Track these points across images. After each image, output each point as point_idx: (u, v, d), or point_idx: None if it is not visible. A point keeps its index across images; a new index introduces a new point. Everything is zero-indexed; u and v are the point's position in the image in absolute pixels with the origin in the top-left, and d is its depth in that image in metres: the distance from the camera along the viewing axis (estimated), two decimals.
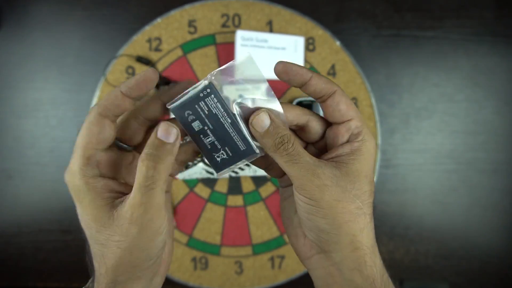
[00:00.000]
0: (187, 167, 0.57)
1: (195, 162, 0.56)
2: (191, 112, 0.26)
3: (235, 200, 0.63)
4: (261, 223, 0.63)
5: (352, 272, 0.26)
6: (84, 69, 0.63)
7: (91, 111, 0.25)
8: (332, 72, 0.64)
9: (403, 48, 0.65)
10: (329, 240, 0.26)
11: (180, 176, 0.59)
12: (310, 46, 0.64)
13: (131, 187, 0.26)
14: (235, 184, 0.63)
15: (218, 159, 0.27)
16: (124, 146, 0.29)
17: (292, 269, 0.63)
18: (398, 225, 0.65)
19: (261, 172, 0.61)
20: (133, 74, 0.63)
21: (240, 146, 0.27)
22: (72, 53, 0.63)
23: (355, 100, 0.65)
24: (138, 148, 0.29)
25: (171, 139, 0.25)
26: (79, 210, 0.26)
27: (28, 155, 0.62)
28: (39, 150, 0.62)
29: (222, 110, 0.26)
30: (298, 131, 0.29)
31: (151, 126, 0.29)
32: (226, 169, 0.28)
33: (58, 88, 0.63)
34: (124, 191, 0.26)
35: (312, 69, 0.64)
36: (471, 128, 0.66)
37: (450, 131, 0.66)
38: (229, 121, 0.26)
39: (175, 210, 0.63)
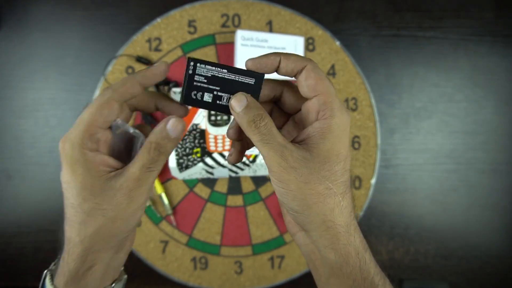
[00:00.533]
0: (187, 167, 0.57)
1: (195, 162, 0.56)
2: (195, 91, 0.28)
3: (235, 200, 0.63)
4: (261, 223, 0.63)
5: (326, 249, 0.27)
6: (84, 69, 0.63)
7: (105, 92, 0.27)
8: (332, 72, 0.65)
9: (403, 48, 0.65)
10: (303, 220, 0.27)
11: (180, 176, 0.59)
12: (310, 46, 0.64)
13: (121, 164, 0.28)
14: (235, 184, 0.63)
15: None
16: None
17: (292, 269, 0.63)
18: (398, 225, 0.65)
19: (261, 172, 0.61)
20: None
21: (249, 82, 0.28)
22: (72, 53, 0.63)
23: (354, 100, 0.65)
24: None
25: (178, 133, 0.28)
26: (68, 178, 0.26)
27: (28, 155, 0.62)
28: (39, 150, 0.62)
29: (214, 68, 0.28)
30: (279, 103, 0.31)
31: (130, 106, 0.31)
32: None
33: (58, 88, 0.63)
34: (117, 166, 0.28)
35: None
36: (470, 128, 0.66)
37: (449, 131, 0.66)
38: (225, 70, 0.28)
39: (175, 210, 0.63)
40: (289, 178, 0.26)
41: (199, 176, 0.61)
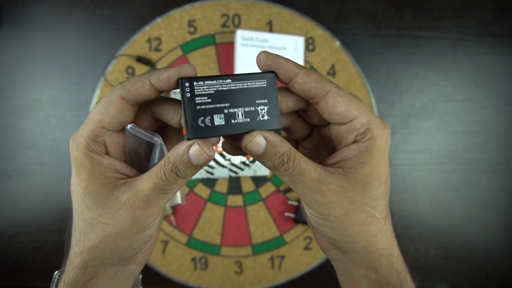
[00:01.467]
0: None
1: None
2: (202, 117, 0.23)
3: (235, 200, 0.63)
4: (261, 223, 0.63)
5: (367, 270, 0.26)
6: (84, 69, 0.63)
7: (114, 89, 0.24)
8: (332, 72, 0.64)
9: (403, 48, 0.65)
10: (342, 246, 0.26)
11: None
12: (310, 46, 0.64)
13: (134, 171, 0.25)
14: (235, 184, 0.63)
15: (265, 117, 0.24)
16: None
17: (292, 269, 0.63)
18: (398, 225, 0.65)
19: (261, 172, 0.61)
20: (133, 74, 0.63)
21: (260, 85, 0.24)
22: (72, 53, 0.63)
23: None
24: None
25: (201, 162, 0.23)
26: (74, 181, 0.24)
27: (28, 155, 0.62)
28: (39, 150, 0.62)
29: (215, 81, 0.23)
30: (302, 113, 0.27)
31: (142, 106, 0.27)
32: (279, 112, 0.25)
33: (58, 88, 0.63)
34: (129, 174, 0.25)
35: (312, 69, 0.64)
36: (471, 128, 0.66)
37: (450, 131, 0.66)
38: (229, 80, 0.23)
39: (175, 210, 0.63)
40: (328, 213, 0.24)
41: (199, 176, 0.61)
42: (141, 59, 0.62)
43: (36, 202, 0.62)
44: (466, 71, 0.66)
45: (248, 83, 0.24)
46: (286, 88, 0.25)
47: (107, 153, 0.25)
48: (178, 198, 0.28)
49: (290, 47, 0.60)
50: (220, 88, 0.23)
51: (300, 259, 0.63)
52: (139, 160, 0.26)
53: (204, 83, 0.23)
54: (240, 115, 0.24)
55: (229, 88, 0.23)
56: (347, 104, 0.23)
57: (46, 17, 0.63)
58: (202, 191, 0.63)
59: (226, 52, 0.63)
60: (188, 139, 0.23)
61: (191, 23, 0.64)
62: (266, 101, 0.24)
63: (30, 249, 0.62)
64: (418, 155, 0.65)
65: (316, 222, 0.25)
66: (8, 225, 0.62)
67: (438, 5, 0.66)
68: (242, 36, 0.59)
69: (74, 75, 0.63)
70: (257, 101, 0.24)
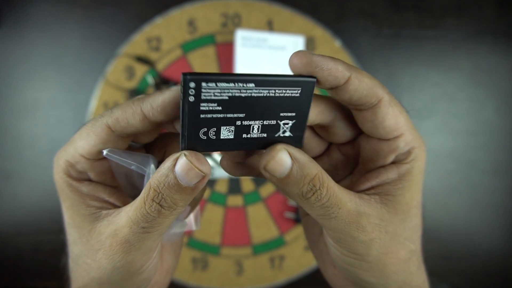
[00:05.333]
0: None
1: None
2: (205, 128, 0.18)
3: (235, 200, 0.63)
4: (261, 223, 0.63)
5: None
6: (83, 68, 0.63)
7: (102, 115, 0.20)
8: None
9: (404, 48, 0.65)
10: (374, 287, 0.22)
11: None
12: (310, 46, 0.64)
13: (126, 199, 0.21)
14: (235, 184, 0.63)
15: (287, 133, 0.19)
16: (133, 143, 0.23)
17: (292, 269, 0.63)
18: None
19: None
20: (132, 74, 0.62)
21: (291, 95, 0.18)
22: (71, 52, 0.63)
23: None
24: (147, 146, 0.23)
25: (192, 181, 0.17)
26: (62, 209, 0.21)
27: (27, 155, 0.62)
28: (38, 150, 0.62)
29: (233, 84, 0.17)
30: (319, 129, 0.22)
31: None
32: (305, 130, 0.19)
33: (57, 88, 0.63)
34: (115, 202, 0.21)
35: None
36: (472, 128, 0.65)
37: (450, 131, 0.65)
38: (252, 84, 0.17)
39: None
40: (367, 252, 0.20)
41: None
42: (140, 59, 0.62)
43: (35, 202, 0.62)
44: (467, 70, 0.65)
45: (277, 90, 0.18)
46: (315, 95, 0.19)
47: (88, 179, 0.21)
48: (190, 223, 0.23)
49: (290, 46, 0.60)
50: (237, 94, 0.17)
51: (300, 259, 0.63)
52: (133, 187, 0.22)
53: (216, 85, 0.17)
54: (255, 129, 0.18)
55: (249, 95, 0.17)
56: (397, 117, 0.19)
57: (45, 17, 0.63)
58: None
59: (226, 52, 0.63)
60: (182, 149, 0.18)
61: (191, 23, 0.63)
62: (294, 114, 0.19)
63: (29, 250, 0.62)
64: None
65: (346, 262, 0.21)
66: (7, 225, 0.62)
67: (439, 4, 0.65)
68: (242, 36, 0.59)
69: (73, 75, 0.63)
70: (281, 114, 0.18)
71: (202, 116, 0.17)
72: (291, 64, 0.18)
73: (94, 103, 0.62)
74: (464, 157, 0.65)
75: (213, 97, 0.17)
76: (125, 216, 0.19)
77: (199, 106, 0.17)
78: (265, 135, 0.19)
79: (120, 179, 0.21)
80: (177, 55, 0.63)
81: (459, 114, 0.65)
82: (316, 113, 0.20)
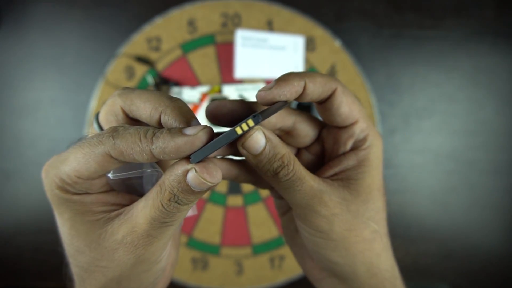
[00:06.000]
0: None
1: None
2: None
3: (235, 200, 0.63)
4: (261, 223, 0.63)
5: None
6: (83, 68, 0.63)
7: (103, 141, 0.18)
8: (332, 72, 0.64)
9: (404, 48, 0.65)
10: (343, 271, 0.23)
11: None
12: (310, 46, 0.64)
13: (130, 196, 0.21)
14: (235, 184, 0.63)
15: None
16: None
17: (292, 269, 0.63)
18: (398, 225, 0.65)
19: None
20: (132, 74, 0.62)
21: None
22: (71, 52, 0.63)
23: None
24: None
25: (204, 188, 0.18)
26: (58, 221, 0.20)
27: (27, 155, 0.62)
28: (38, 150, 0.62)
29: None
30: (284, 136, 0.24)
31: None
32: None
33: (57, 88, 0.63)
34: (122, 202, 0.21)
35: (312, 71, 0.64)
36: (471, 128, 0.65)
37: (450, 131, 0.65)
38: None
39: None
40: (330, 228, 0.21)
41: None
42: (140, 59, 0.62)
43: (35, 203, 0.62)
44: (466, 70, 0.65)
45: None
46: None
47: (88, 192, 0.20)
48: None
49: (290, 46, 0.60)
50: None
51: None
52: (134, 190, 0.22)
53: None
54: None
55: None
56: (351, 105, 0.22)
57: (45, 17, 0.63)
58: None
59: (226, 52, 0.63)
60: (192, 162, 0.18)
61: (191, 23, 0.63)
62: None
63: (29, 250, 0.62)
64: (418, 155, 0.65)
65: (315, 243, 0.22)
66: (7, 225, 0.62)
67: (439, 4, 0.65)
68: (242, 36, 0.59)
69: (73, 75, 0.63)
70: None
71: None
72: (259, 103, 0.21)
73: (94, 103, 0.62)
74: (464, 157, 0.65)
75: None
76: (141, 214, 0.19)
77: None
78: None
79: (119, 189, 0.21)
80: (177, 55, 0.63)
81: (458, 114, 0.65)
82: (276, 118, 0.22)
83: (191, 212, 0.24)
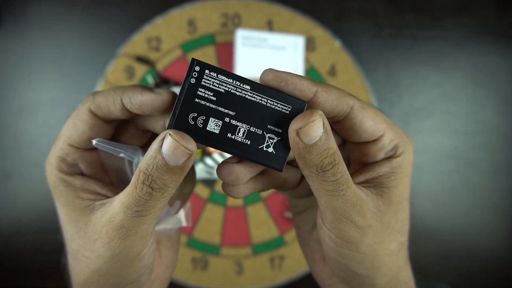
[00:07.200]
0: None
1: (195, 163, 0.56)
2: (195, 113, 0.18)
3: (235, 200, 0.63)
4: (261, 223, 0.63)
5: None
6: (83, 68, 0.63)
7: (84, 101, 0.20)
8: (332, 72, 0.64)
9: (403, 48, 0.65)
10: (362, 281, 0.22)
11: None
12: (310, 46, 0.64)
13: (117, 190, 0.21)
14: None
15: (270, 149, 0.19)
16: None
17: (292, 269, 0.63)
18: None
19: None
20: (132, 74, 0.62)
21: (281, 109, 0.19)
22: (71, 52, 0.63)
23: None
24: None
25: (180, 160, 0.18)
26: (57, 207, 0.21)
27: (27, 155, 0.62)
28: (38, 150, 0.62)
29: (231, 80, 0.18)
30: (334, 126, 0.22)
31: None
32: (286, 154, 0.19)
33: (57, 88, 0.63)
34: (107, 194, 0.21)
35: (312, 71, 0.64)
36: (471, 128, 0.65)
37: (450, 131, 0.65)
38: (248, 87, 0.18)
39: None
40: (362, 240, 0.20)
41: (198, 176, 0.61)
42: (140, 59, 0.62)
43: (35, 203, 0.62)
44: (466, 70, 0.65)
45: (269, 101, 0.19)
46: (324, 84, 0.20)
47: (81, 173, 0.21)
48: (181, 219, 0.24)
49: (290, 46, 0.60)
50: (233, 91, 0.18)
51: (300, 259, 0.63)
52: (124, 181, 0.22)
53: (217, 76, 0.18)
54: (241, 132, 0.19)
55: (243, 95, 0.18)
56: (374, 119, 0.20)
57: (45, 17, 0.63)
58: (202, 191, 0.63)
59: (226, 51, 0.63)
60: (168, 128, 0.18)
61: (191, 23, 0.63)
62: (281, 131, 0.19)
63: (29, 250, 0.62)
64: (418, 155, 0.65)
65: (338, 253, 0.21)
66: (7, 225, 0.62)
67: (439, 4, 0.65)
68: (242, 36, 0.59)
69: (73, 75, 0.63)
70: (269, 126, 0.19)
71: (196, 100, 0.18)
72: (261, 81, 0.19)
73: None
74: (464, 157, 0.65)
75: (211, 86, 0.18)
76: (118, 203, 0.19)
77: (197, 89, 0.18)
78: (248, 142, 0.19)
79: (111, 172, 0.22)
80: (177, 55, 0.63)
81: (458, 114, 0.65)
82: (331, 101, 0.20)
83: (184, 223, 0.24)
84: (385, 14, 0.65)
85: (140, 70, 0.62)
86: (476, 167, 0.65)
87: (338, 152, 0.18)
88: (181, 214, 0.24)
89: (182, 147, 0.17)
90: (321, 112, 0.18)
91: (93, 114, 0.20)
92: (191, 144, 0.18)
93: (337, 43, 0.64)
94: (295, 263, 0.63)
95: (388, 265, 0.21)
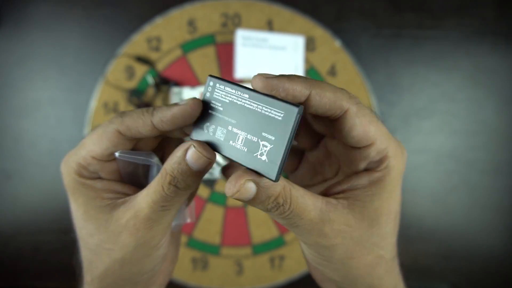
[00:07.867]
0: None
1: None
2: (208, 123, 0.21)
3: (235, 200, 0.63)
4: (261, 223, 0.63)
5: None
6: (83, 68, 0.63)
7: (112, 121, 0.22)
8: (332, 72, 0.64)
9: (403, 48, 0.65)
10: (343, 287, 0.23)
11: None
12: (310, 46, 0.64)
13: (135, 188, 0.24)
14: None
15: (263, 157, 0.19)
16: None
17: (292, 269, 0.63)
18: (398, 225, 0.65)
19: None
20: (132, 74, 0.62)
21: (274, 116, 0.19)
22: (71, 52, 0.63)
23: None
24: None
25: (202, 166, 0.20)
26: (73, 207, 0.23)
27: (27, 155, 0.62)
28: (38, 150, 0.62)
29: (234, 91, 0.20)
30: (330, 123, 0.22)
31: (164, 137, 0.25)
32: (281, 161, 0.18)
33: (57, 88, 0.63)
34: (128, 192, 0.23)
35: (312, 71, 0.64)
36: (471, 128, 0.65)
37: (450, 131, 0.65)
38: (246, 95, 0.19)
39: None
40: (331, 255, 0.21)
41: None
42: (140, 59, 0.62)
43: (36, 202, 0.62)
44: (466, 70, 0.65)
45: (264, 108, 0.19)
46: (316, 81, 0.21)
47: (100, 177, 0.23)
48: (186, 216, 0.26)
49: (290, 46, 0.60)
50: (235, 100, 0.20)
51: (300, 259, 0.63)
52: (138, 177, 0.24)
53: (224, 89, 0.20)
54: (240, 140, 0.20)
55: (243, 104, 0.19)
56: (366, 127, 0.20)
57: (45, 17, 0.63)
58: (202, 191, 0.63)
59: (226, 52, 0.63)
60: (191, 139, 0.21)
61: (191, 23, 0.63)
62: (273, 138, 0.19)
63: (29, 250, 0.62)
64: (418, 155, 0.65)
65: (316, 262, 0.23)
66: (7, 225, 0.62)
67: (439, 4, 0.65)
68: (242, 36, 0.59)
69: (73, 75, 0.63)
70: (263, 133, 0.19)
71: (210, 111, 0.21)
72: (253, 87, 0.20)
73: (94, 103, 0.62)
74: (464, 157, 0.65)
75: (220, 98, 0.20)
76: (143, 200, 0.21)
77: (211, 101, 0.21)
78: (245, 149, 0.20)
79: (125, 177, 0.24)
80: (177, 55, 0.63)
81: (459, 114, 0.65)
82: (324, 101, 0.20)
83: (189, 219, 0.27)
84: (385, 14, 0.65)
85: (140, 70, 0.62)
86: (476, 167, 0.65)
87: (283, 193, 0.19)
88: (186, 210, 0.27)
89: (204, 158, 0.20)
90: (246, 179, 0.18)
91: (120, 134, 0.22)
92: (211, 154, 0.20)
93: (337, 43, 0.64)
94: (295, 263, 0.63)
95: (364, 276, 0.22)
